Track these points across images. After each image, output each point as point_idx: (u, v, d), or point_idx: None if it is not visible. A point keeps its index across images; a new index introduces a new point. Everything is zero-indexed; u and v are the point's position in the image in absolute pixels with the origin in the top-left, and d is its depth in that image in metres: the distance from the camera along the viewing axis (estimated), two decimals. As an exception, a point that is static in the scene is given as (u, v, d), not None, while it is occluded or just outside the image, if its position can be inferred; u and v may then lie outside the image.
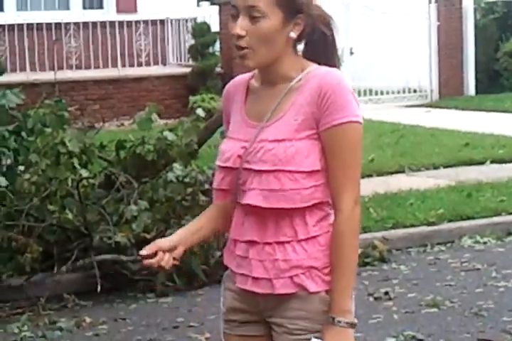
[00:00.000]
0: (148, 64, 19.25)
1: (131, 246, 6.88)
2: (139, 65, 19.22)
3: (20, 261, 6.82)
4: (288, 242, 2.39)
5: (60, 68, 17.69)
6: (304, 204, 2.35)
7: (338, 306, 2.35)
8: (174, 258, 2.51)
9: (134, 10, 19.83)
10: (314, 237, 2.38)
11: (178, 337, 6.13)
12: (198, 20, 18.85)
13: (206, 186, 7.33)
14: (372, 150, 11.47)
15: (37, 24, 18.55)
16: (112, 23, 19.30)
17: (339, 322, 2.32)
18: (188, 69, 18.18)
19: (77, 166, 7.24)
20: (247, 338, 2.57)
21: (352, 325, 2.36)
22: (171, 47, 19.58)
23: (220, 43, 18.14)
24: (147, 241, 6.54)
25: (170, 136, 7.55)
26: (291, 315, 2.42)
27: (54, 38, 18.06)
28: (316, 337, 2.36)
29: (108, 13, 20.01)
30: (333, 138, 2.34)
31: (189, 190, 7.26)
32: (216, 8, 18.49)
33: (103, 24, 19.24)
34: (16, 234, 6.97)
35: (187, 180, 7.28)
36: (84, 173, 7.25)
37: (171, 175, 7.22)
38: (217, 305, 3.10)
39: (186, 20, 19.13)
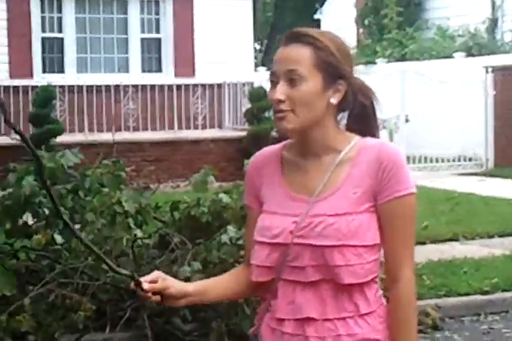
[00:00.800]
0: (204, 127, 19.42)
1: (182, 307, 6.64)
2: (196, 127, 19.43)
3: (73, 319, 6.83)
4: (350, 317, 2.38)
5: (118, 129, 17.95)
6: (366, 279, 2.36)
7: None
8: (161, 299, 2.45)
9: (192, 74, 20.04)
10: (375, 311, 2.40)
11: None
12: (255, 85, 18.93)
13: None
14: (426, 218, 11.27)
15: (96, 86, 18.86)
16: (170, 87, 19.69)
17: None
18: (243, 133, 18.30)
19: (133, 226, 7.33)
20: None
21: None
22: (227, 111, 19.65)
23: None
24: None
25: (225, 198, 7.58)
26: None
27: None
28: None
29: (166, 76, 20.30)
30: (395, 211, 2.36)
31: (242, 252, 6.88)
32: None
33: (161, 87, 19.54)
34: (70, 291, 6.99)
35: (240, 242, 7.12)
36: (139, 233, 7.36)
37: (224, 237, 7.19)
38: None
39: (243, 85, 19.21)
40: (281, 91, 2.35)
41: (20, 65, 19.18)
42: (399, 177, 2.35)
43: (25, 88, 18.36)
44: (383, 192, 2.35)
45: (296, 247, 2.38)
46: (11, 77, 18.85)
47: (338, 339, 2.37)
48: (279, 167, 2.55)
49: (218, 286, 2.60)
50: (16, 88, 18.46)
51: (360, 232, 2.33)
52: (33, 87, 17.99)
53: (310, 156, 2.47)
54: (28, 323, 6.78)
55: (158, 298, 2.42)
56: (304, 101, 2.36)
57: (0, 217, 7.49)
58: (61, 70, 19.68)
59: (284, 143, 2.57)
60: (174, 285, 2.46)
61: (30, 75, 19.12)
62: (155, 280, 2.41)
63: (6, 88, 18.28)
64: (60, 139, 14.62)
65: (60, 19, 19.82)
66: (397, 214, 2.37)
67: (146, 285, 2.39)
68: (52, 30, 19.73)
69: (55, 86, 17.78)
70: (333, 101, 2.38)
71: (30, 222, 7.64)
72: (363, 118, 2.49)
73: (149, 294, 2.40)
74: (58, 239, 7.24)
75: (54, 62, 19.78)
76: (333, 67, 2.38)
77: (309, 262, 2.37)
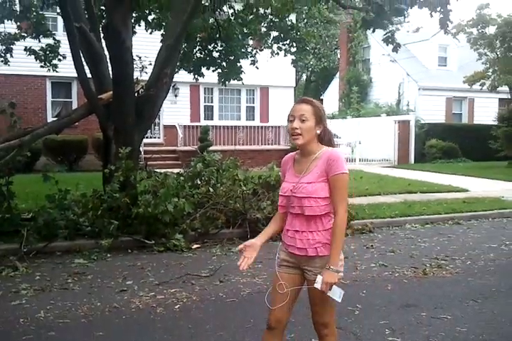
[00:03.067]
0: (271, 144, 19.40)
1: (262, 219, 6.76)
2: (268, 144, 19.47)
3: (217, 223, 6.77)
4: (314, 231, 2.42)
5: (235, 144, 18.32)
6: (321, 213, 2.41)
7: (332, 261, 2.36)
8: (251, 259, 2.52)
9: (267, 121, 20.08)
10: (327, 229, 2.42)
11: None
12: None
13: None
14: (367, 185, 11.61)
15: (226, 126, 19.00)
16: (257, 127, 19.74)
17: (331, 268, 2.36)
18: (288, 147, 17.67)
19: (242, 185, 7.24)
20: (288, 274, 2.56)
21: (337, 271, 2.37)
22: (282, 137, 19.43)
23: None
24: (269, 218, 6.94)
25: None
26: (314, 265, 2.45)
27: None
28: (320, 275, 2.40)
29: (256, 122, 20.14)
30: (335, 181, 2.38)
31: None
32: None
33: (254, 127, 19.51)
34: (216, 211, 6.92)
35: None
36: (244, 188, 7.23)
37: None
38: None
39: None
40: (297, 124, 2.41)
41: (194, 116, 19.30)
42: (337, 165, 2.38)
43: (197, 127, 18.42)
44: (329, 172, 2.38)
45: (292, 197, 2.45)
46: (191, 121, 19.05)
47: (307, 241, 2.44)
48: (292, 162, 2.57)
49: (271, 231, 2.66)
50: (192, 126, 18.66)
51: (317, 191, 2.38)
52: (200, 126, 18.09)
53: (304, 156, 2.51)
54: (198, 224, 6.69)
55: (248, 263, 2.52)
56: (308, 131, 2.42)
57: (188, 180, 7.30)
58: (211, 118, 19.78)
59: (296, 151, 2.59)
60: (252, 246, 2.53)
61: (199, 120, 19.23)
62: (247, 244, 2.53)
63: (187, 126, 18.48)
64: (211, 148, 15.08)
65: (211, 98, 20.06)
66: (336, 182, 2.39)
67: (239, 247, 2.56)
68: (210, 102, 20.00)
69: (209, 125, 17.97)
70: (318, 132, 2.45)
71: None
72: (328, 141, 2.50)
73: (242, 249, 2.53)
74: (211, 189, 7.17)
75: (209, 114, 19.78)
76: (319, 116, 2.45)
77: (296, 204, 2.44)
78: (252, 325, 3.84)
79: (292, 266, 2.55)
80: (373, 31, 9.38)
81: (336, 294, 2.40)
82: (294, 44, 11.88)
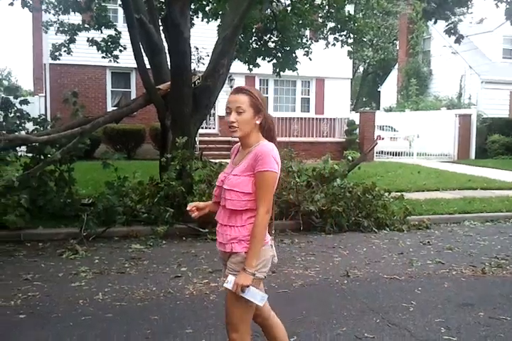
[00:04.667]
0: (326, 136, 18.97)
1: (315, 212, 6.85)
2: (323, 136, 19.10)
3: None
4: (233, 226, 2.32)
5: (290, 136, 17.94)
6: (241, 208, 2.29)
7: (247, 262, 2.25)
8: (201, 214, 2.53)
9: (322, 113, 20.06)
10: (244, 225, 2.31)
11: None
12: (350, 118, 18.79)
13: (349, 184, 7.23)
14: (425, 180, 11.48)
15: (282, 117, 18.67)
16: (313, 118, 19.34)
17: (246, 271, 2.25)
18: (343, 140, 18.22)
19: (296, 176, 7.13)
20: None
21: (253, 274, 2.25)
22: (337, 130, 19.44)
23: (359, 129, 17.84)
24: (323, 211, 6.88)
25: (335, 166, 7.51)
26: (230, 261, 2.34)
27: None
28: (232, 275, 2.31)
29: (311, 113, 19.91)
30: (259, 178, 2.25)
31: (342, 191, 7.07)
32: (358, 114, 18.35)
33: (308, 118, 19.25)
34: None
35: (343, 186, 7.16)
36: (298, 179, 7.15)
37: (334, 184, 7.21)
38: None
39: (345, 118, 19.05)
40: (233, 117, 2.29)
41: None
42: (262, 162, 2.24)
43: None
44: (255, 168, 2.25)
45: (222, 188, 2.38)
46: None
47: (225, 235, 2.35)
48: (236, 152, 2.49)
49: (210, 206, 2.56)
50: None
51: (240, 185, 2.28)
52: None
53: (243, 148, 2.41)
54: None
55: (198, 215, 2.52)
56: (245, 123, 2.30)
57: None
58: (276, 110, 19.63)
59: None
60: (202, 204, 2.55)
61: None
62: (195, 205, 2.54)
63: None
64: None
65: (266, 89, 19.85)
66: (259, 180, 2.26)
67: (188, 207, 2.53)
68: (265, 93, 19.84)
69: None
70: (258, 122, 2.33)
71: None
72: (268, 132, 2.38)
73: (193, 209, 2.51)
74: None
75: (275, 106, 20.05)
76: (257, 106, 2.31)
77: (223, 196, 2.35)
78: (303, 316, 3.85)
79: (224, 263, 2.47)
80: (435, 22, 9.19)
81: (256, 297, 2.30)
82: (351, 35, 11.75)
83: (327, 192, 7.14)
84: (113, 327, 3.65)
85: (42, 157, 6.96)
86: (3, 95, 7.20)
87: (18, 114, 7.16)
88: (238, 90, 2.34)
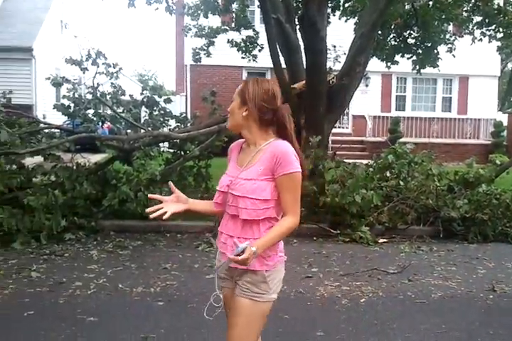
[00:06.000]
0: (469, 138, 18.07)
1: (457, 219, 6.49)
2: (465, 138, 18.15)
3: (406, 219, 6.56)
4: (250, 239, 2.01)
5: (428, 137, 17.43)
6: (258, 218, 2.03)
7: (258, 246, 1.92)
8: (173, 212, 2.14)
9: (465, 113, 18.98)
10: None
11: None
12: (497, 119, 17.66)
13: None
14: None
15: (418, 117, 18.23)
16: (454, 119, 18.49)
17: (254, 248, 1.90)
18: (488, 142, 17.11)
19: (436, 180, 6.85)
20: (228, 288, 2.20)
21: (255, 253, 1.91)
22: (481, 130, 18.39)
23: (507, 131, 16.82)
24: (465, 218, 6.49)
25: (481, 171, 7.04)
26: (246, 279, 2.07)
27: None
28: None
29: (453, 113, 19.02)
30: (284, 182, 2.00)
31: (488, 198, 6.62)
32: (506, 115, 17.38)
33: (450, 119, 18.46)
34: (406, 206, 6.67)
35: (489, 192, 6.73)
36: (438, 183, 6.85)
37: (480, 189, 6.77)
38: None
39: (491, 119, 17.96)
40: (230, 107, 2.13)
41: (385, 106, 18.93)
42: (286, 163, 1.99)
43: (387, 117, 18.00)
44: (276, 171, 2.00)
45: (229, 195, 2.09)
46: (381, 111, 18.66)
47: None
48: (238, 150, 2.21)
49: (202, 206, 2.28)
50: (382, 117, 18.15)
51: (257, 191, 2.01)
52: (390, 117, 17.78)
53: (248, 145, 2.14)
54: (386, 218, 6.53)
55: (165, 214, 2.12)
56: (231, 112, 2.11)
57: (377, 172, 7.01)
58: (403, 109, 19.14)
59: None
60: (171, 197, 2.19)
61: (389, 111, 18.78)
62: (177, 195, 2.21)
63: (377, 117, 18.19)
64: (402, 140, 14.51)
65: (404, 88, 19.47)
66: (286, 183, 2.01)
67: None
68: (402, 92, 19.34)
69: (400, 116, 17.67)
70: (244, 114, 2.06)
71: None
72: (279, 130, 2.10)
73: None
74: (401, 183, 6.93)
75: (400, 105, 19.16)
76: (243, 97, 2.06)
77: (232, 203, 2.08)
78: (443, 331, 3.63)
79: (228, 279, 2.19)
80: None
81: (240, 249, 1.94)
82: (500, 29, 10.89)
83: (471, 198, 6.75)
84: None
85: (182, 153, 7.38)
86: (148, 94, 7.73)
87: (162, 112, 7.69)
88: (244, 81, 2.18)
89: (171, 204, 2.18)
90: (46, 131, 7.49)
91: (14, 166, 6.60)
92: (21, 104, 11.49)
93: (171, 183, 2.24)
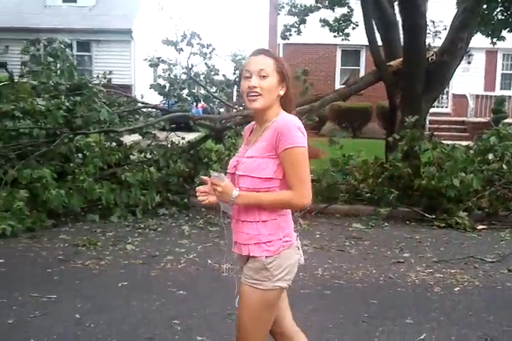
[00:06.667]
0: None
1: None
2: None
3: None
4: (251, 222, 1.92)
5: None
6: None
7: (242, 195, 1.87)
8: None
9: None
10: (266, 221, 1.90)
11: None
12: None
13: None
14: None
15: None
16: None
17: (234, 194, 1.85)
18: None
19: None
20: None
21: (233, 200, 1.86)
22: None
23: None
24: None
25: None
26: (248, 267, 1.93)
27: None
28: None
29: None
30: (284, 157, 1.86)
31: None
32: None
33: None
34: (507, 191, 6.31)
35: None
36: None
37: None
38: None
39: None
40: (255, 82, 1.91)
41: (488, 84, 17.99)
42: (287, 137, 1.84)
43: (490, 97, 17.12)
44: (278, 146, 1.86)
45: (235, 175, 1.98)
46: (484, 90, 17.79)
47: (241, 234, 1.96)
48: (249, 132, 2.09)
49: None
50: (485, 96, 17.31)
51: (257, 168, 1.89)
52: (494, 96, 16.86)
53: (259, 125, 2.01)
54: (486, 203, 6.19)
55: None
56: (269, 90, 1.92)
57: (478, 154, 6.61)
58: (509, 88, 18.05)
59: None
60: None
61: (493, 90, 17.85)
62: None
63: (479, 96, 17.34)
64: (507, 121, 13.74)
65: (510, 65, 18.23)
66: (288, 158, 1.86)
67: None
68: (508, 69, 18.12)
69: (505, 95, 16.62)
70: (281, 93, 1.95)
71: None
72: (288, 104, 1.97)
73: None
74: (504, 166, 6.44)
75: (506, 83, 18.14)
76: (282, 72, 1.94)
77: (238, 184, 1.95)
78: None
79: (241, 270, 2.03)
80: None
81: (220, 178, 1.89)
82: None
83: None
84: (330, 305, 3.66)
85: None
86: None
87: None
88: (261, 52, 1.99)
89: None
90: (144, 110, 7.82)
91: (113, 143, 6.98)
92: (121, 84, 11.97)
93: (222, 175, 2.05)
